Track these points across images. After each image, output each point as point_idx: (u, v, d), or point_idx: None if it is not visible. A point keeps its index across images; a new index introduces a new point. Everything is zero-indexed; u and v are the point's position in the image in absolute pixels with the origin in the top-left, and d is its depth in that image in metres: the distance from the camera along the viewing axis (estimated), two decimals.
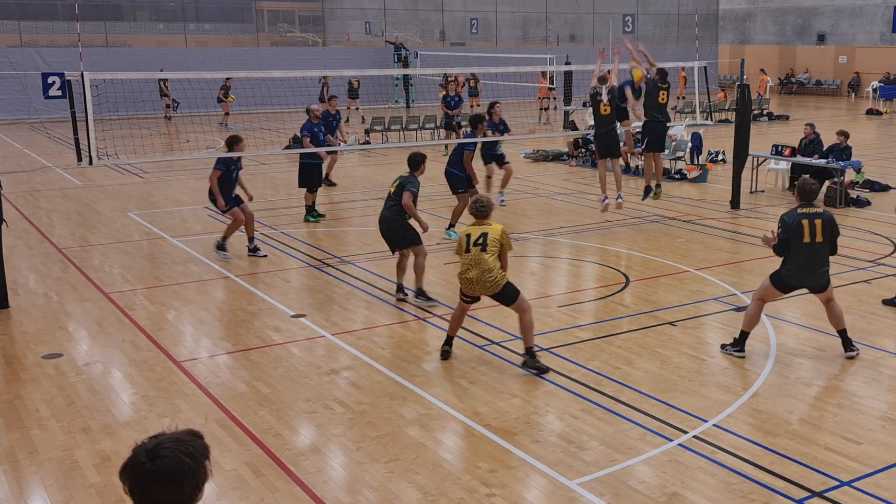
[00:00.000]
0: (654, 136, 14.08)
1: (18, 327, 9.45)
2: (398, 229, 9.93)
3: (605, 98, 13.26)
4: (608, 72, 13.50)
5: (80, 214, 15.33)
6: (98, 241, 13.41)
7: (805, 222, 7.93)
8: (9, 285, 10.27)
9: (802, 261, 7.98)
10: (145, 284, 10.97)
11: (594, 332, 9.11)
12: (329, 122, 16.65)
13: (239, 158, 12.23)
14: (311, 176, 14.42)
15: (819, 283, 8.13)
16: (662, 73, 13.86)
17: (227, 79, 27.84)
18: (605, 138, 13.47)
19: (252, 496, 5.88)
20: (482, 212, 8.01)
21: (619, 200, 13.82)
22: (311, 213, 14.60)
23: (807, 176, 8.26)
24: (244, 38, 55.45)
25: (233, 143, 12.29)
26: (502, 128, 14.85)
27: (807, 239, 7.93)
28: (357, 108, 31.60)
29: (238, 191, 12.24)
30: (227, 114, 28.71)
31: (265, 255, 12.22)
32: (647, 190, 14.45)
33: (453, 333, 8.38)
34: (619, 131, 13.94)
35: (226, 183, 12.08)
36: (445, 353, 8.30)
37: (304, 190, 14.56)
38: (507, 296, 7.93)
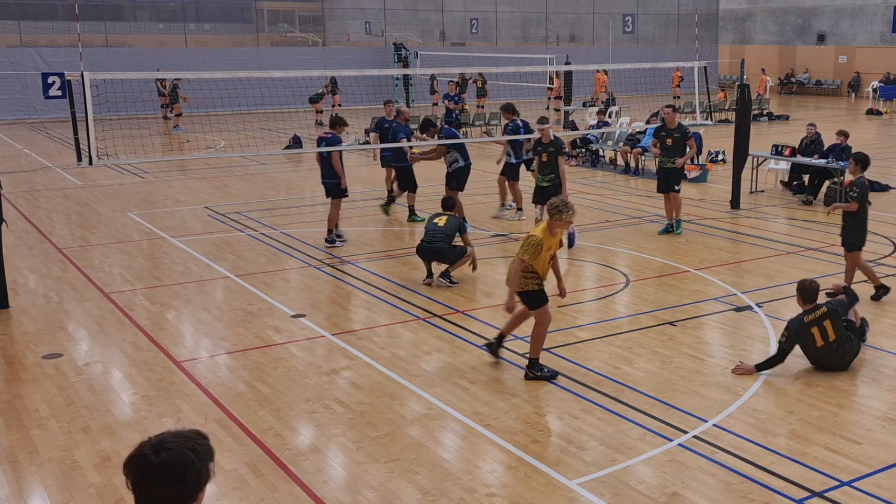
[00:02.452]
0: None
1: (18, 327, 9.45)
2: (447, 251, 10.84)
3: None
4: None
5: (80, 214, 15.32)
6: (98, 241, 13.41)
7: (815, 330, 7.85)
8: (9, 285, 10.27)
9: (825, 364, 7.98)
10: (145, 284, 10.97)
11: (594, 332, 9.11)
12: (385, 128, 16.57)
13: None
14: (409, 177, 14.54)
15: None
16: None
17: (177, 79, 27.99)
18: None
19: (252, 496, 5.88)
20: (552, 211, 7.79)
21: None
22: (414, 214, 14.55)
23: (807, 280, 8.16)
24: (244, 38, 55.44)
25: (337, 123, 13.02)
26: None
27: (819, 343, 7.87)
28: (339, 105, 31.09)
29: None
30: (178, 115, 28.83)
31: (345, 241, 12.90)
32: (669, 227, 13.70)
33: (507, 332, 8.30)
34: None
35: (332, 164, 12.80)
36: (491, 347, 8.26)
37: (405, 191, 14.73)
38: (529, 302, 7.88)
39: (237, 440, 6.67)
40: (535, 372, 7.78)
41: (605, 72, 34.14)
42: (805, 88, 44.17)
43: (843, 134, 16.04)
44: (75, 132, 13.31)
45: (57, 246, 13.01)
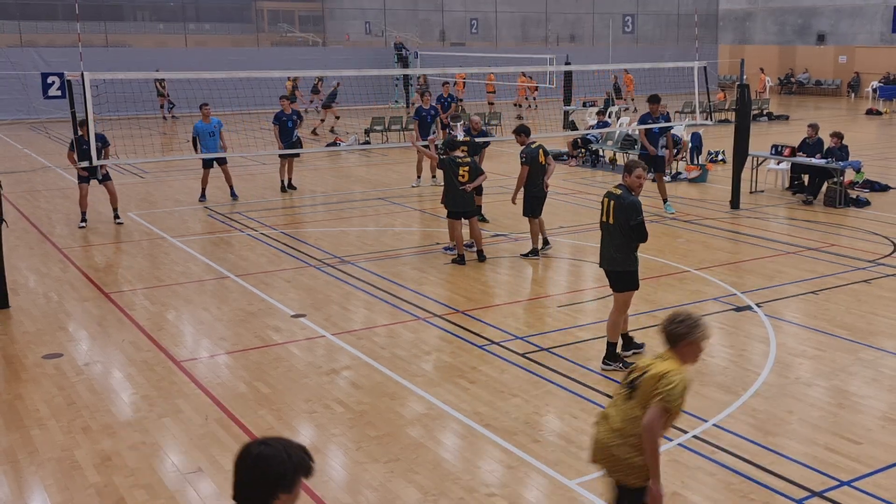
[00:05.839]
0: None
1: (18, 327, 9.45)
2: None
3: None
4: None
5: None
6: (98, 241, 13.41)
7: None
8: (9, 285, 10.27)
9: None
10: (145, 284, 10.97)
11: (594, 332, 9.10)
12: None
13: None
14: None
15: None
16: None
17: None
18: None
19: None
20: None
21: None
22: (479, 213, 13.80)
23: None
24: (244, 38, 55.38)
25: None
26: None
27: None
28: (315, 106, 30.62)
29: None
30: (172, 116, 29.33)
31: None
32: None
33: None
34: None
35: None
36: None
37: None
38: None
39: (237, 440, 6.67)
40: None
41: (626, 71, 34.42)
42: (805, 88, 44.16)
43: (838, 135, 16.06)
44: (75, 132, 13.30)
45: (57, 246, 13.01)
